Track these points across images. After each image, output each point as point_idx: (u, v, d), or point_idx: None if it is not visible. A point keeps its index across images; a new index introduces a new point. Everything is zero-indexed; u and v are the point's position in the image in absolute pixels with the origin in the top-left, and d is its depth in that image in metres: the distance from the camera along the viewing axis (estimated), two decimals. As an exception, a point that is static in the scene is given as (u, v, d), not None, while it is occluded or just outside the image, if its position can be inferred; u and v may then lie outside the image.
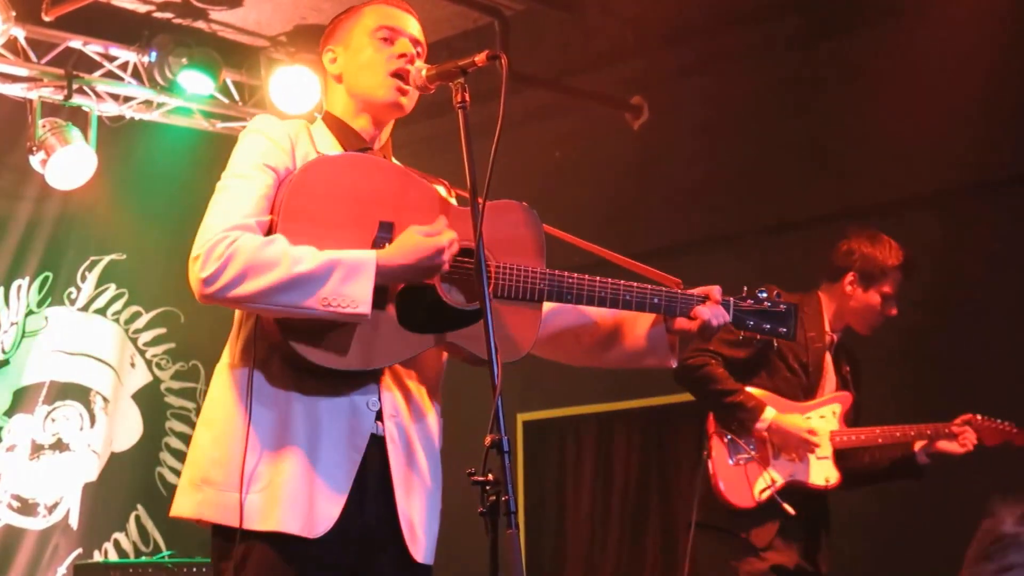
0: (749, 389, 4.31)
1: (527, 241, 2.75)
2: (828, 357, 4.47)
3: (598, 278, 2.78)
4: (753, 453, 4.25)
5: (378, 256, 2.52)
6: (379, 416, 2.62)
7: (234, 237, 2.48)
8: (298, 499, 2.53)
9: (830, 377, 4.47)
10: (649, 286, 2.83)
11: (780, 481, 4.26)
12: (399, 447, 2.64)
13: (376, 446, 2.62)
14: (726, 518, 4.27)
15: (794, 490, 4.27)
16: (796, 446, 4.25)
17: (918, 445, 4.40)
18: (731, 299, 2.92)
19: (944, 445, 4.36)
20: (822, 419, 4.36)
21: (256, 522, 2.53)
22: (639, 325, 2.90)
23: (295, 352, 2.52)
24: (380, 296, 2.54)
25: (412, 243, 2.53)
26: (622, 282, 2.80)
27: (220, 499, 2.55)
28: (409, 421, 2.67)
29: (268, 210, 2.56)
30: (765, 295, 2.95)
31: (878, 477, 4.51)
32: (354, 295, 2.47)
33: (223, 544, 2.58)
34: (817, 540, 4.36)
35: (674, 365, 2.94)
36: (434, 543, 2.72)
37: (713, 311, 2.84)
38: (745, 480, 4.24)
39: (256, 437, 2.55)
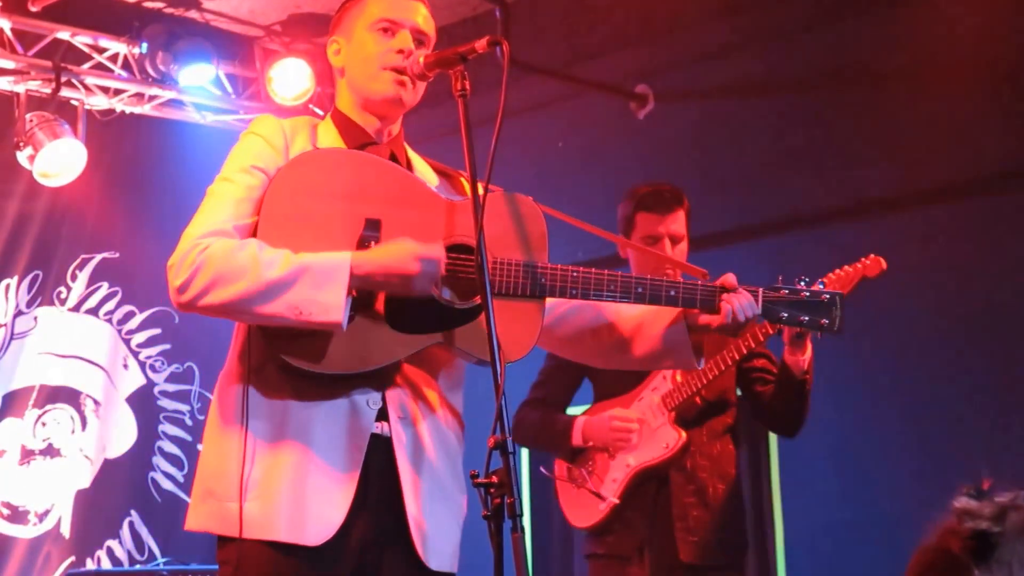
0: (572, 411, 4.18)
1: (526, 234, 2.63)
2: None
3: (606, 271, 2.62)
4: (591, 468, 4.14)
5: (353, 259, 2.43)
6: (384, 416, 2.55)
7: (206, 244, 2.45)
8: (298, 506, 2.47)
9: None
10: (665, 278, 2.65)
11: (622, 476, 4.08)
12: (408, 449, 2.56)
13: (382, 448, 2.55)
14: (592, 543, 4.13)
15: (647, 474, 4.04)
16: (612, 440, 4.06)
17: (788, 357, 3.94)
18: (759, 289, 2.71)
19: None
20: (654, 391, 4.10)
21: (255, 531, 2.48)
22: (657, 324, 2.73)
23: (283, 360, 2.47)
24: (368, 296, 2.48)
25: (393, 248, 2.45)
26: (634, 275, 2.63)
27: (221, 510, 2.52)
28: (420, 422, 2.58)
29: (252, 212, 2.51)
30: (804, 284, 2.73)
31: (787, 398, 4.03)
32: (326, 301, 2.39)
33: (224, 554, 2.54)
34: (668, 513, 4.05)
35: (699, 367, 2.77)
36: (454, 549, 2.63)
37: (740, 301, 2.64)
38: (589, 499, 4.11)
39: (254, 445, 2.51)
